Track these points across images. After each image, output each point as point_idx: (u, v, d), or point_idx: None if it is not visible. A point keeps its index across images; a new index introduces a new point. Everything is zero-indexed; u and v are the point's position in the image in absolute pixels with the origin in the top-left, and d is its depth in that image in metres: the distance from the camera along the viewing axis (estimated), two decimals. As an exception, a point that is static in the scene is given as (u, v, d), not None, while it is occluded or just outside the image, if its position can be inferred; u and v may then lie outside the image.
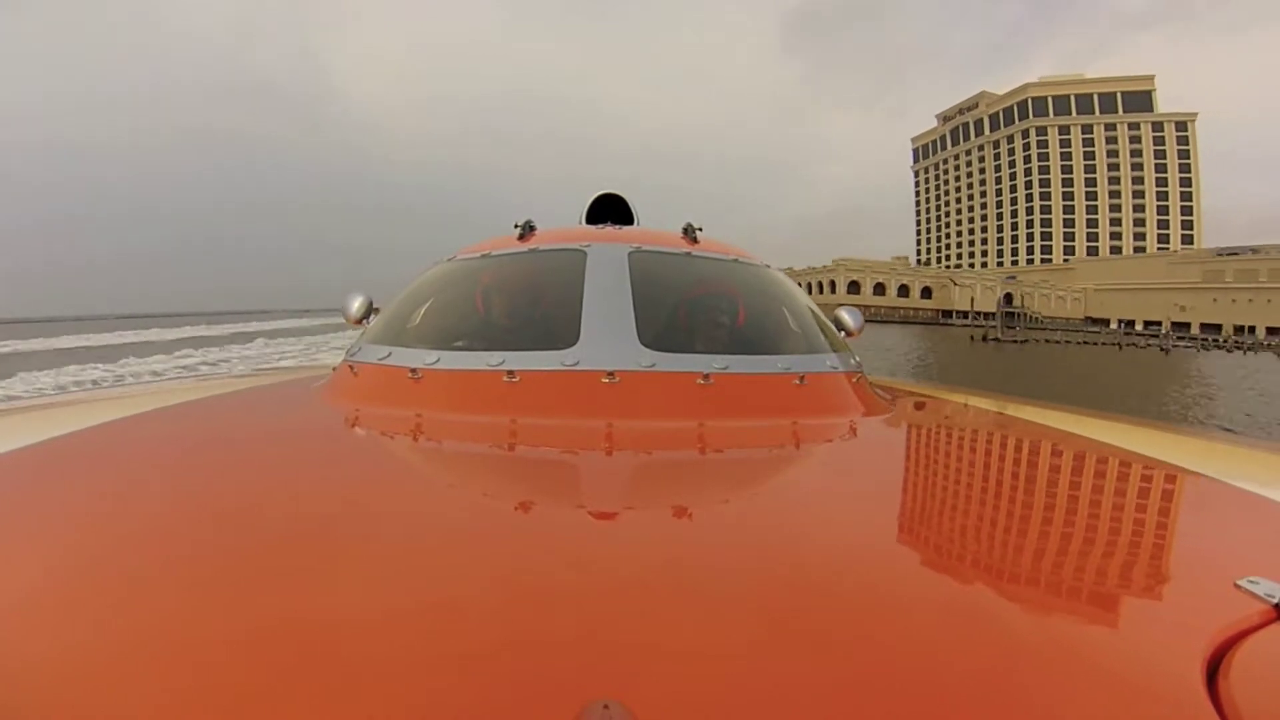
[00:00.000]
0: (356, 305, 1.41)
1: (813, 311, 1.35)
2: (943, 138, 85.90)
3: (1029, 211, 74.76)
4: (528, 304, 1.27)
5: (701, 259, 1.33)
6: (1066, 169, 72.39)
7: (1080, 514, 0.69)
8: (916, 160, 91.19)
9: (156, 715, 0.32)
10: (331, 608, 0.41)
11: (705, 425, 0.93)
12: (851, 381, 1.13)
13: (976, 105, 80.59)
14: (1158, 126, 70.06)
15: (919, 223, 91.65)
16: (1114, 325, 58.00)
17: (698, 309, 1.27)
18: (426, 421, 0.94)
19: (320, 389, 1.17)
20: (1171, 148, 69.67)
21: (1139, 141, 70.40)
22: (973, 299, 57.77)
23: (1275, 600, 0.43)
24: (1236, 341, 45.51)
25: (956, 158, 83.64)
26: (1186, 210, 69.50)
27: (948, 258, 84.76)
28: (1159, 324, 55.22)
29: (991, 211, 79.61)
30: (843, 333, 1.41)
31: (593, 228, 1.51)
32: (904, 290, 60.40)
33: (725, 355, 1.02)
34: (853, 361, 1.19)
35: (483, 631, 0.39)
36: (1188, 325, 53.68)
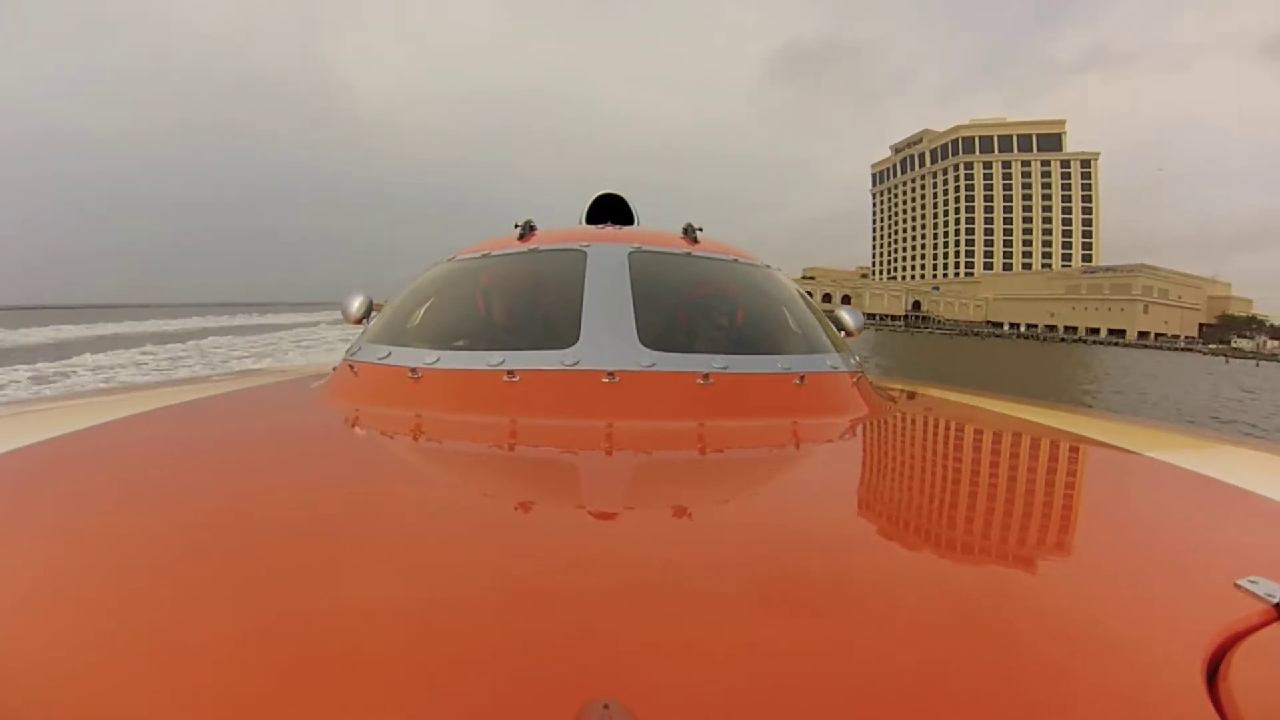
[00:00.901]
0: (356, 305, 1.43)
1: (813, 311, 1.36)
2: (894, 166, 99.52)
3: (958, 232, 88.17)
4: (528, 304, 1.28)
5: (701, 259, 1.34)
6: (989, 197, 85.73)
7: (1080, 513, 0.69)
8: (874, 184, 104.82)
9: (157, 715, 0.31)
10: (332, 608, 0.41)
11: (705, 425, 0.92)
12: (852, 381, 1.13)
13: (920, 140, 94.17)
14: (1066, 164, 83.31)
15: (874, 238, 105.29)
16: (1006, 327, 71.52)
17: (698, 309, 1.29)
18: (426, 421, 0.94)
19: (320, 389, 1.17)
20: (1076, 181, 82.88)
21: (1049, 175, 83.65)
22: (882, 306, 71.94)
23: (1275, 600, 0.42)
24: (1080, 339, 59.53)
25: (905, 184, 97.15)
26: (1087, 234, 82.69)
27: (896, 269, 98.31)
28: (1036, 325, 68.97)
29: (929, 231, 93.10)
30: (843, 333, 1.43)
31: (593, 228, 1.53)
32: (827, 297, 74.47)
33: (725, 355, 1.02)
34: (853, 361, 1.19)
35: (483, 631, 0.39)
36: (1054, 327, 67.10)
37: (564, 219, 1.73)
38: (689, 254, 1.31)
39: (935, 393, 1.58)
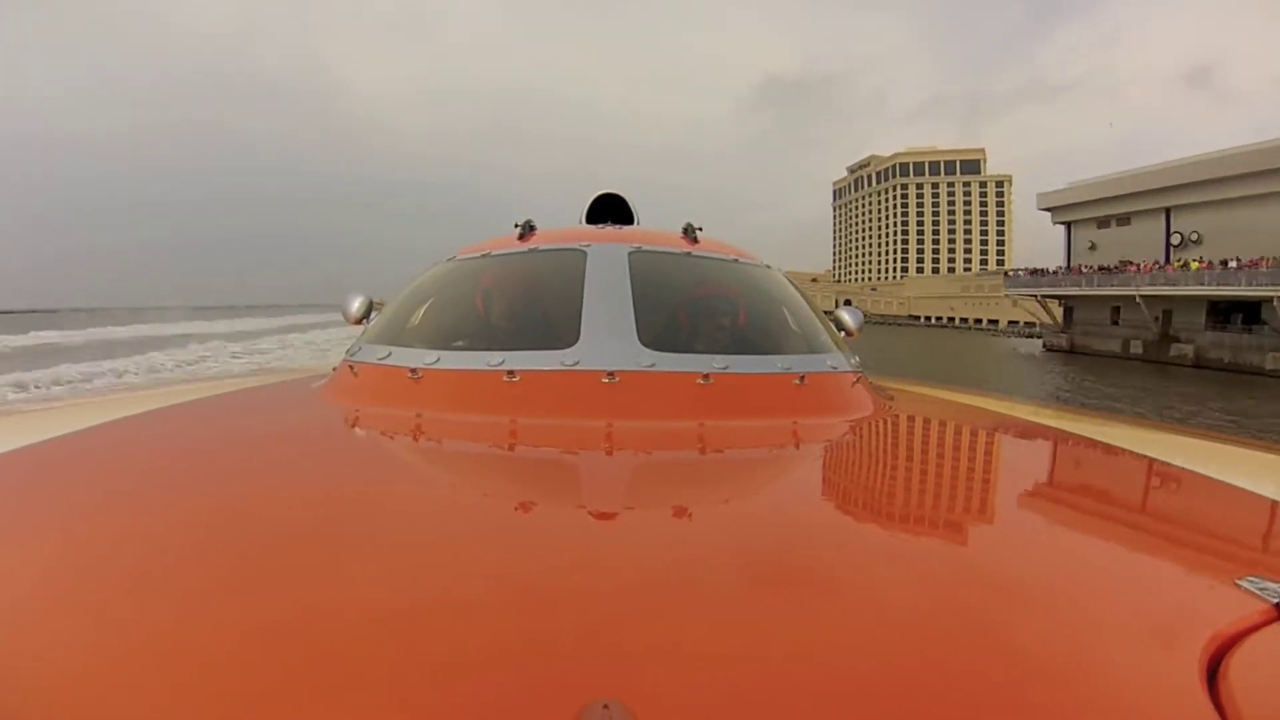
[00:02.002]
0: (356, 305, 1.42)
1: (813, 311, 1.36)
2: (849, 184, 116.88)
3: (897, 241, 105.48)
4: (528, 304, 1.28)
5: (702, 259, 1.34)
6: (920, 212, 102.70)
7: (1080, 514, 0.69)
8: (834, 199, 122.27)
9: (159, 715, 0.31)
10: (332, 608, 0.41)
11: (705, 425, 0.92)
12: (852, 381, 1.12)
13: (869, 163, 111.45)
14: (984, 184, 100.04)
15: (834, 246, 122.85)
16: (921, 319, 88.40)
17: (698, 309, 1.29)
18: (426, 421, 0.93)
19: (320, 389, 1.17)
20: (992, 200, 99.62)
21: (970, 194, 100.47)
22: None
23: (1275, 600, 0.42)
24: (966, 326, 77.29)
25: (857, 200, 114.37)
26: (1001, 243, 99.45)
27: (850, 272, 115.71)
28: (941, 318, 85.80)
29: (874, 241, 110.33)
30: (843, 333, 1.44)
31: (593, 227, 1.54)
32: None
33: (725, 355, 1.01)
34: (853, 361, 1.19)
35: (483, 631, 0.39)
36: (952, 319, 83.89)
37: (564, 219, 1.71)
38: (689, 254, 1.32)
39: (935, 393, 1.61)
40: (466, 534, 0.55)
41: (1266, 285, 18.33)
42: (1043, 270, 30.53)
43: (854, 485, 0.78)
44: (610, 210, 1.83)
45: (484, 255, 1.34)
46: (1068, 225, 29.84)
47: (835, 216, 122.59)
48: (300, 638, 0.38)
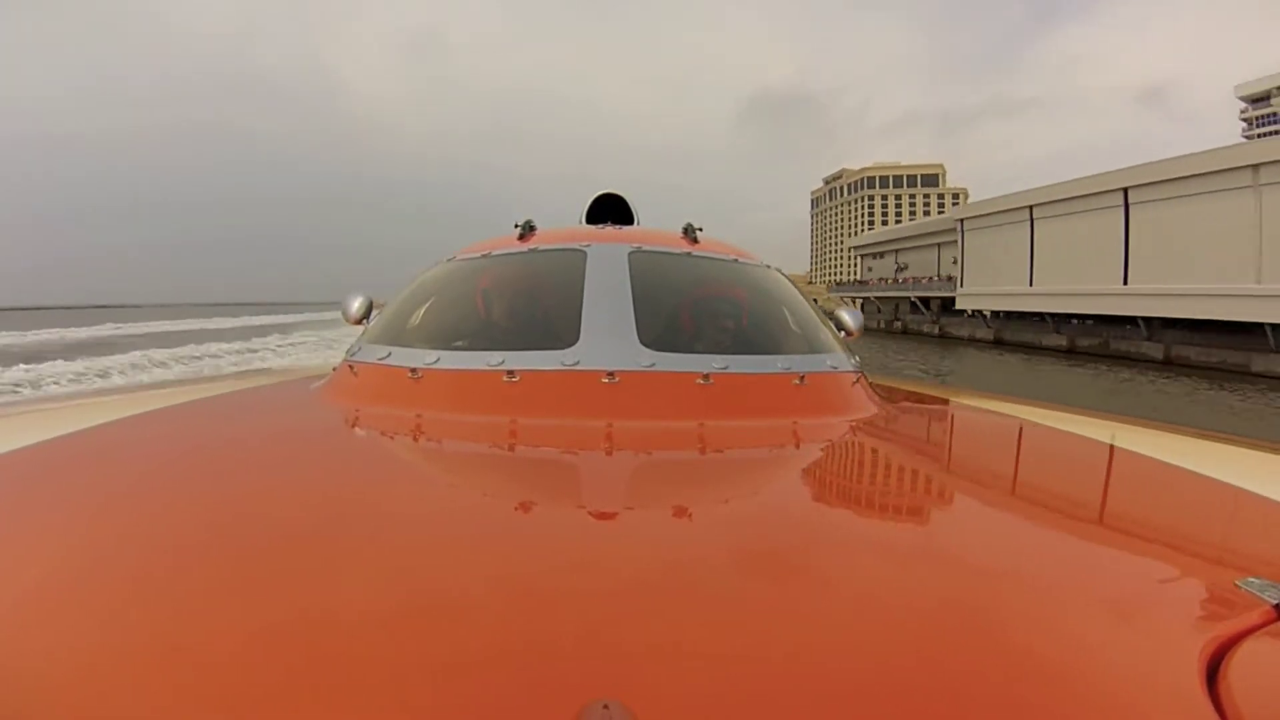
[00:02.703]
0: (356, 305, 1.41)
1: (813, 311, 1.36)
2: (825, 194, 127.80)
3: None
4: (528, 304, 1.28)
5: (701, 259, 1.33)
6: (885, 220, 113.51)
7: (1080, 514, 0.68)
8: (812, 207, 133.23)
9: (159, 716, 0.31)
10: (331, 608, 0.41)
11: (705, 425, 0.92)
12: (852, 381, 1.12)
13: (841, 175, 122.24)
14: (942, 196, 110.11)
15: (811, 252, 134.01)
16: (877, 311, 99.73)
17: (698, 309, 1.29)
18: (426, 421, 0.93)
19: (320, 389, 1.17)
20: (949, 209, 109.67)
21: (929, 205, 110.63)
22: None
23: (1275, 600, 0.42)
24: None
25: (831, 209, 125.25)
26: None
27: (825, 274, 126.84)
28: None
29: (845, 245, 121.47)
30: (843, 333, 1.42)
31: (593, 227, 1.54)
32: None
33: (725, 355, 1.01)
34: (853, 361, 1.18)
35: (483, 631, 0.39)
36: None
37: (564, 219, 1.71)
38: (689, 254, 1.32)
39: (935, 393, 1.62)
40: (466, 534, 0.55)
41: (921, 291, 32.74)
42: (861, 282, 44.48)
43: (854, 485, 0.78)
44: (610, 210, 1.86)
45: (484, 255, 1.35)
46: (863, 256, 45.58)
47: (813, 223, 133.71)
48: (301, 638, 0.38)
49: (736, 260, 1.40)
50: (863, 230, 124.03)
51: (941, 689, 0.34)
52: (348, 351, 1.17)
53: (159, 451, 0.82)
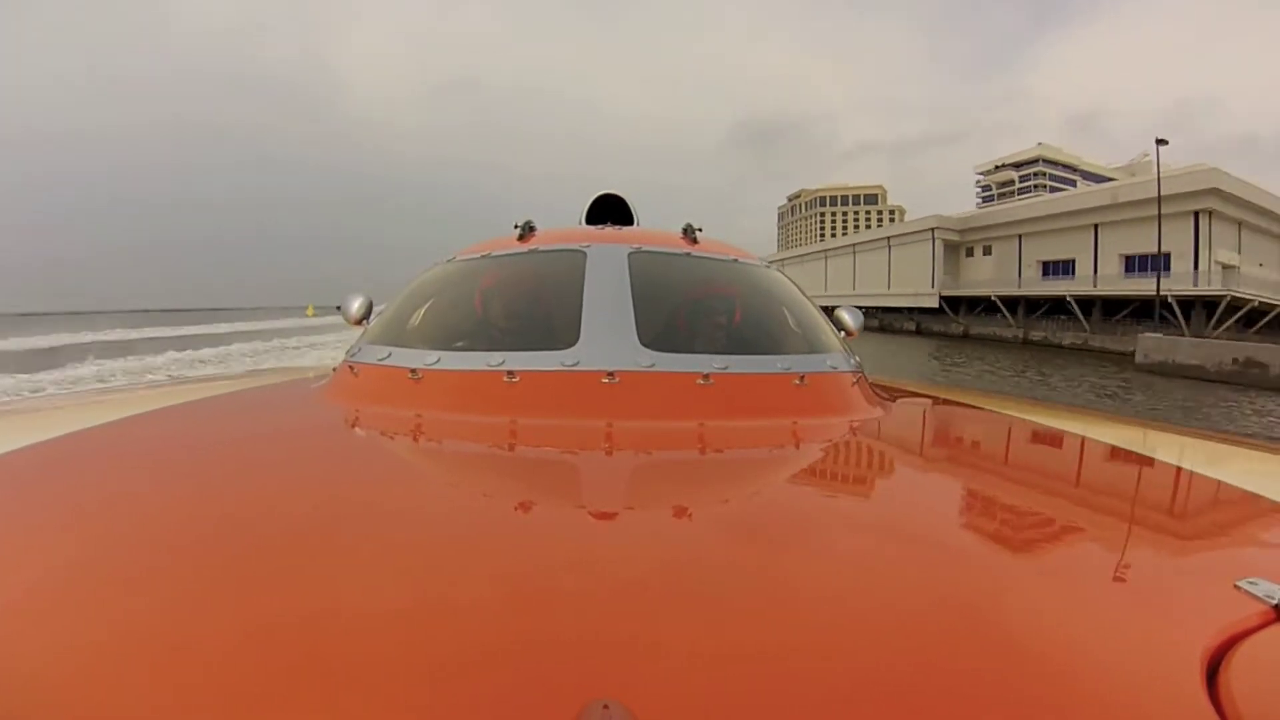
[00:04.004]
0: (356, 305, 1.42)
1: (813, 312, 1.37)
2: (788, 210, 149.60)
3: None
4: (528, 304, 1.27)
5: (701, 259, 1.35)
6: (834, 234, 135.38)
7: (1079, 514, 0.68)
8: (779, 221, 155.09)
9: (159, 715, 0.31)
10: (331, 608, 0.41)
11: (705, 425, 0.91)
12: (852, 382, 1.12)
13: (800, 195, 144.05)
14: (881, 213, 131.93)
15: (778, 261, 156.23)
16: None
17: (698, 309, 1.29)
18: (426, 421, 0.93)
19: (320, 389, 1.17)
20: (887, 224, 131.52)
21: (870, 219, 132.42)
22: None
23: (1275, 601, 0.42)
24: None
25: (792, 224, 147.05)
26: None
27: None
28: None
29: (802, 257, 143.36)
30: (842, 333, 1.42)
31: (593, 228, 1.54)
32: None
33: (725, 355, 1.01)
34: (853, 361, 1.18)
35: (483, 631, 0.39)
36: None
37: (564, 219, 1.73)
38: (689, 254, 1.33)
39: (935, 393, 1.62)
40: (466, 534, 0.55)
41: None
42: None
43: (854, 485, 0.78)
44: (610, 210, 1.89)
45: (484, 256, 1.35)
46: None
47: (779, 235, 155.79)
48: (301, 638, 0.38)
49: (736, 260, 1.42)
50: (819, 241, 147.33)
51: (941, 688, 0.35)
52: (348, 351, 1.18)
53: (159, 451, 0.82)
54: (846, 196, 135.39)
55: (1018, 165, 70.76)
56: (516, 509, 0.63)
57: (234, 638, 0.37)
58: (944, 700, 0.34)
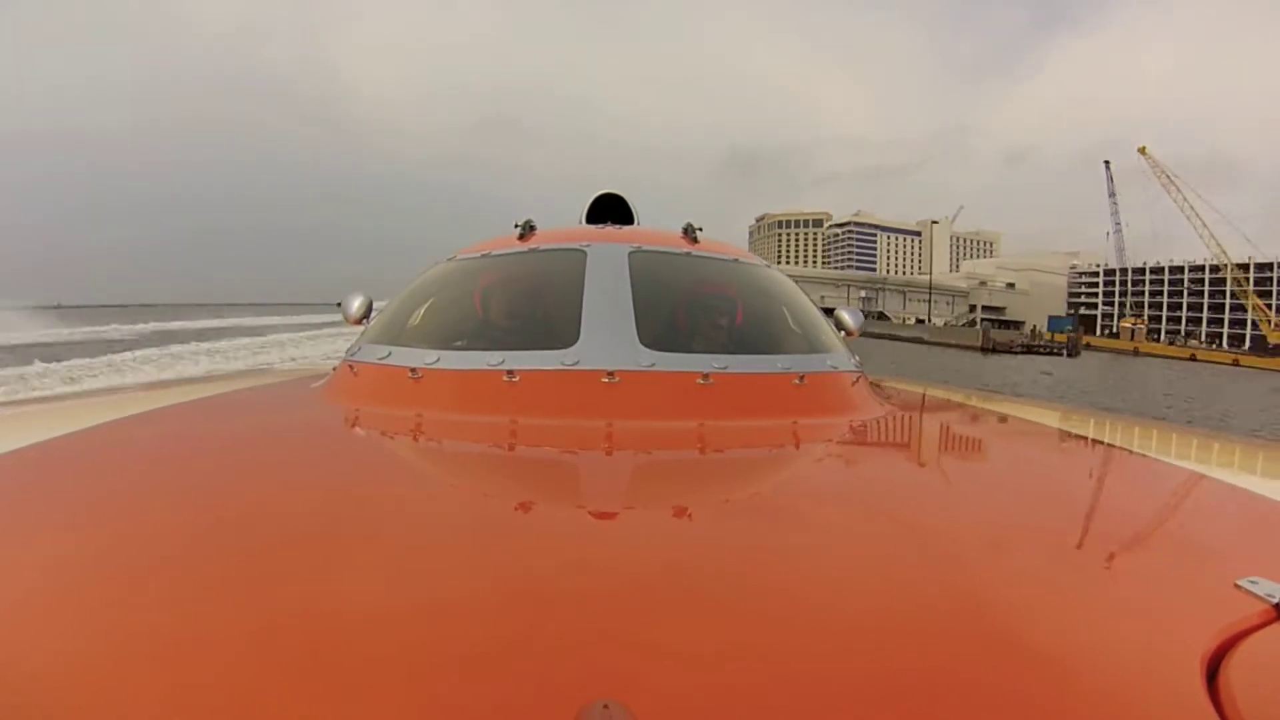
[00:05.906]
0: (356, 305, 1.41)
1: (813, 311, 1.37)
2: (757, 228, 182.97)
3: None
4: (528, 304, 1.28)
5: (701, 259, 1.35)
6: (788, 253, 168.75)
7: (1080, 514, 0.69)
8: (750, 238, 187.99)
9: (159, 715, 0.31)
10: (332, 607, 0.41)
11: (705, 425, 0.92)
12: (851, 381, 1.12)
13: (764, 218, 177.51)
14: (825, 236, 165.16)
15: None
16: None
17: (698, 309, 1.29)
18: (427, 421, 0.93)
19: (321, 389, 1.17)
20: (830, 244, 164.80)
21: (816, 242, 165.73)
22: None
23: (1275, 600, 0.42)
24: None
25: (760, 242, 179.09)
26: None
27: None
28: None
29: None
30: (842, 333, 1.42)
31: (593, 227, 1.55)
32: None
33: (725, 355, 1.01)
34: (852, 361, 1.19)
35: (483, 631, 0.39)
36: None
37: (564, 219, 1.75)
38: (689, 254, 1.33)
39: (935, 393, 1.64)
40: (467, 534, 0.55)
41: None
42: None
43: (854, 485, 0.78)
44: (610, 210, 1.88)
45: (484, 255, 1.35)
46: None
47: (749, 249, 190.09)
48: (301, 637, 0.38)
49: (736, 260, 1.43)
50: (776, 259, 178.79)
51: (942, 688, 0.35)
52: (348, 351, 1.18)
53: (159, 451, 0.82)
54: (799, 220, 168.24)
55: (841, 225, 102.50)
56: (516, 509, 0.63)
57: (234, 637, 0.37)
58: (944, 700, 0.34)
